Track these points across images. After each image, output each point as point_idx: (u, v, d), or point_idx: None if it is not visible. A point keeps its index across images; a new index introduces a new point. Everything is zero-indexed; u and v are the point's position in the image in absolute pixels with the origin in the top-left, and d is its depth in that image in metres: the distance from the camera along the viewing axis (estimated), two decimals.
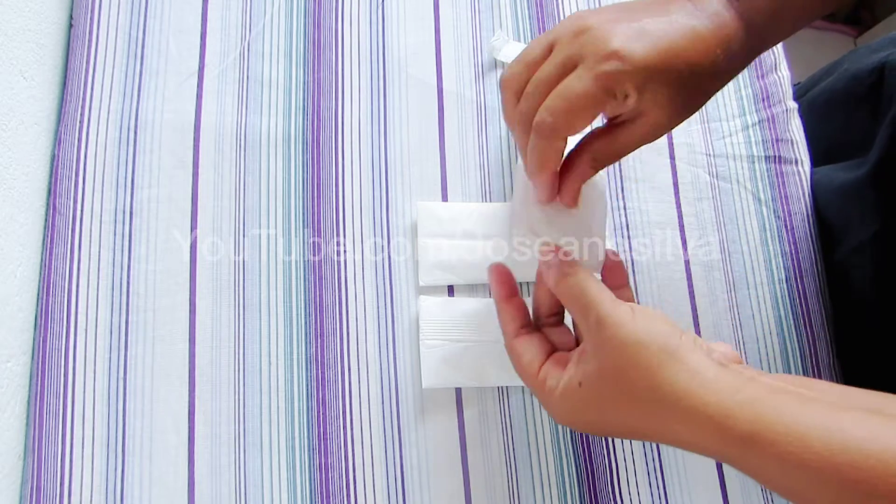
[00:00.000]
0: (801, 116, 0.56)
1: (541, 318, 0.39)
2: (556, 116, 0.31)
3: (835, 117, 0.57)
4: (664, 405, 0.29)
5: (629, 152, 0.34)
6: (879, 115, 0.49)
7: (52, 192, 0.47)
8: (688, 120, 0.54)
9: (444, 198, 0.51)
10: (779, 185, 0.54)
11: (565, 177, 0.35)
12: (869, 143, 0.49)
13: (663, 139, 0.54)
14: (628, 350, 0.30)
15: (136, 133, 0.49)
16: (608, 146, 0.34)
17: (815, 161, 0.55)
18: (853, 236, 0.51)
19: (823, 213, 0.54)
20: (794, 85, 0.62)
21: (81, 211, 0.47)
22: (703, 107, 0.55)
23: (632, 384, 0.30)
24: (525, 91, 0.33)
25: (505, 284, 0.39)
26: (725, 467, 0.47)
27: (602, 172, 0.37)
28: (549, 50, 0.33)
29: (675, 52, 0.31)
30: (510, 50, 0.55)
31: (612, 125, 0.34)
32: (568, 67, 0.31)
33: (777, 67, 0.57)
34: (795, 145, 0.55)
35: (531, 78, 0.33)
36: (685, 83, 0.32)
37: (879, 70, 0.51)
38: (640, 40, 0.30)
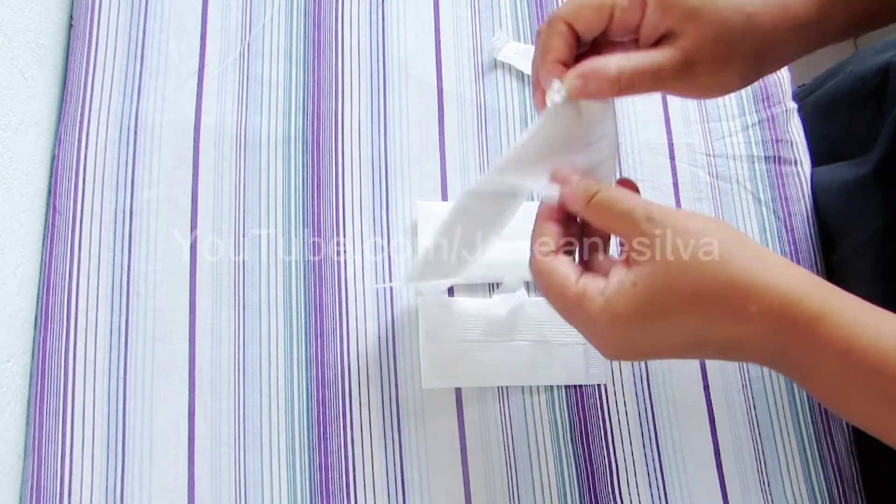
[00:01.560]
0: (806, 118, 0.56)
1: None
2: (564, 3, 0.32)
3: (839, 118, 0.57)
4: (733, 289, 0.28)
5: (663, 85, 0.32)
6: (883, 115, 0.49)
7: (52, 193, 0.47)
8: (688, 120, 0.55)
9: (444, 198, 0.51)
10: (779, 186, 0.54)
11: (580, 67, 0.33)
12: (873, 143, 0.49)
13: (663, 139, 0.54)
14: (690, 239, 0.28)
15: (136, 133, 0.49)
16: (640, 64, 0.32)
17: (820, 162, 0.55)
18: (855, 235, 0.51)
19: (825, 212, 0.54)
20: (799, 86, 0.63)
21: (81, 211, 0.47)
22: (703, 107, 0.56)
23: (699, 273, 0.28)
24: None
25: (555, 209, 0.35)
26: (725, 468, 0.47)
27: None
28: None
29: None
30: (510, 50, 0.55)
31: (649, 46, 0.33)
32: None
33: None
34: (795, 146, 0.55)
35: None
36: (727, 24, 0.31)
37: (884, 71, 0.51)
38: None
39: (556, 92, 0.33)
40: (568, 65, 0.33)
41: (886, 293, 0.48)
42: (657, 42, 0.33)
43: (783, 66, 0.36)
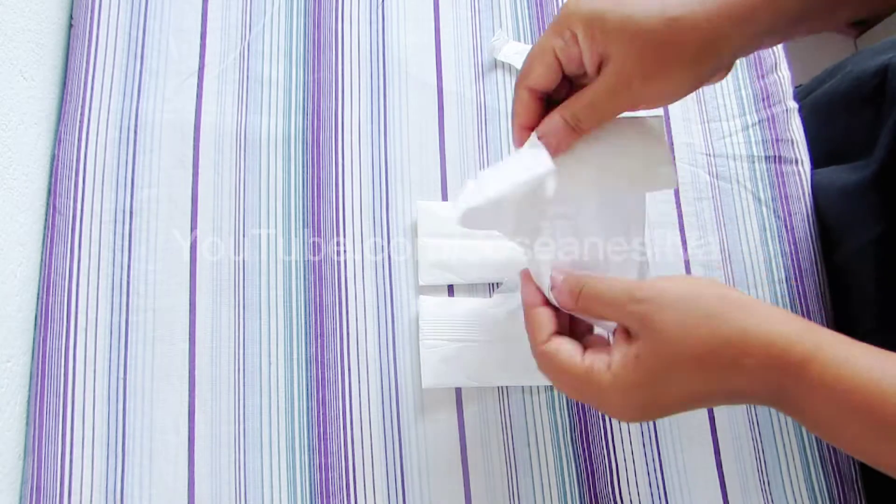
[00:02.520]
0: (804, 118, 0.56)
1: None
2: (523, 66, 0.35)
3: (838, 119, 0.57)
4: (729, 347, 0.29)
5: (606, 110, 0.35)
6: (882, 117, 0.49)
7: (52, 192, 0.47)
8: (688, 119, 0.55)
9: (444, 198, 0.51)
10: (779, 185, 0.54)
11: (541, 128, 0.36)
12: (872, 145, 0.49)
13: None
14: (681, 305, 0.30)
15: (136, 133, 0.49)
16: (578, 99, 0.35)
17: (818, 163, 0.55)
18: (855, 238, 0.50)
19: (824, 215, 0.54)
20: (797, 87, 0.62)
21: (81, 211, 0.47)
22: (703, 107, 0.56)
23: (694, 338, 0.30)
24: None
25: (539, 290, 0.38)
26: (725, 468, 0.47)
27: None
28: None
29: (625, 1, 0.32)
30: (510, 50, 0.55)
31: (586, 83, 0.35)
32: None
33: (777, 67, 0.57)
34: (795, 145, 0.55)
35: None
36: (649, 35, 0.32)
37: (882, 72, 0.51)
38: None
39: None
40: (532, 126, 0.36)
41: (886, 298, 0.48)
42: (599, 69, 0.34)
43: (734, 59, 0.36)
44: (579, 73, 0.35)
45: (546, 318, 0.36)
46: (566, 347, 0.34)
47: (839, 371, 0.28)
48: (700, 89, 0.56)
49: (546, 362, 0.35)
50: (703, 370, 0.30)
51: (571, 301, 0.35)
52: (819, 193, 0.54)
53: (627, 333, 0.32)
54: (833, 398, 0.28)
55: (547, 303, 0.37)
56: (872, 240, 0.48)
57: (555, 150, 0.35)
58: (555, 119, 0.35)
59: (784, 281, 0.52)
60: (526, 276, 0.38)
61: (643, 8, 0.32)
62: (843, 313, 0.52)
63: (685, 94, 0.35)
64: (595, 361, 0.33)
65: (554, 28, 0.34)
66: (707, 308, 0.30)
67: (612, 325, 0.35)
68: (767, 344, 0.29)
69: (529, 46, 0.55)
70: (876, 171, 0.48)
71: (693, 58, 0.33)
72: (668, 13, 0.32)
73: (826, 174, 0.54)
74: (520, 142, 0.37)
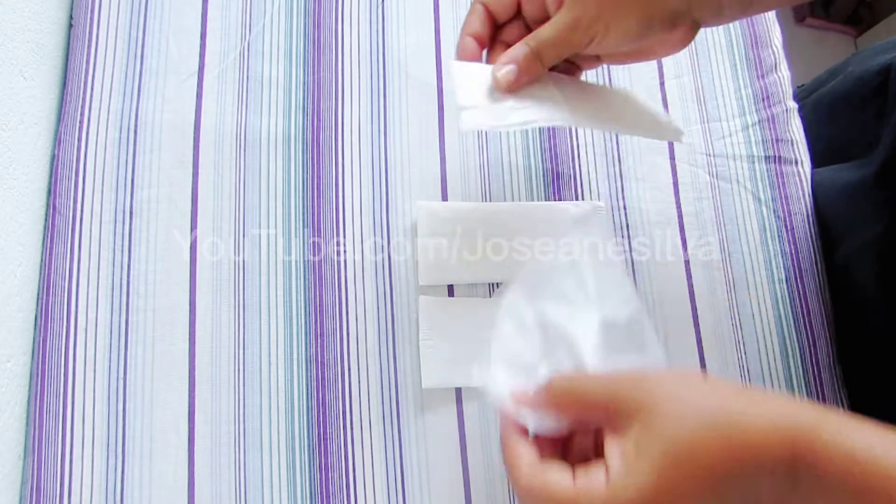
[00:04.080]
0: (806, 118, 0.56)
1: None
2: None
3: (840, 119, 0.57)
4: (736, 434, 0.27)
5: (566, 44, 0.37)
6: (885, 116, 0.49)
7: (52, 192, 0.47)
8: (687, 120, 0.55)
9: (444, 198, 0.51)
10: (779, 185, 0.54)
11: (505, 55, 0.38)
12: (874, 145, 0.49)
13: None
14: (670, 410, 0.28)
15: (136, 133, 0.49)
16: (542, 32, 0.37)
17: (820, 162, 0.55)
18: (856, 236, 0.50)
19: (825, 214, 0.54)
20: (799, 87, 0.62)
21: (81, 211, 0.47)
22: (703, 107, 0.56)
23: (699, 445, 0.27)
24: None
25: (512, 419, 0.33)
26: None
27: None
28: None
29: None
30: None
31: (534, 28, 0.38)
32: None
33: (777, 67, 0.57)
34: (795, 145, 0.55)
35: None
36: None
37: (885, 71, 0.51)
38: None
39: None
40: (482, 41, 0.40)
41: (887, 296, 0.48)
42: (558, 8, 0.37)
43: (693, 18, 0.37)
44: (538, 15, 0.39)
45: (527, 448, 0.31)
46: (556, 472, 0.29)
47: (848, 459, 0.25)
48: (700, 88, 0.56)
49: (532, 494, 0.29)
50: (712, 484, 0.27)
51: (543, 398, 0.31)
52: (820, 193, 0.54)
53: (616, 427, 0.29)
54: (846, 482, 0.26)
55: (525, 431, 0.32)
56: (873, 239, 0.48)
57: (517, 79, 0.38)
58: (521, 47, 0.38)
59: (784, 281, 0.52)
60: (507, 429, 0.33)
61: None
62: (844, 313, 0.52)
63: (636, 39, 0.37)
64: (591, 478, 0.28)
65: None
66: (700, 412, 0.27)
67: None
68: (777, 434, 0.27)
69: None
70: (877, 170, 0.48)
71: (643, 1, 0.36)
72: None
73: (827, 173, 0.54)
74: (463, 50, 0.40)
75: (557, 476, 0.29)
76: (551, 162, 0.53)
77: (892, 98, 0.49)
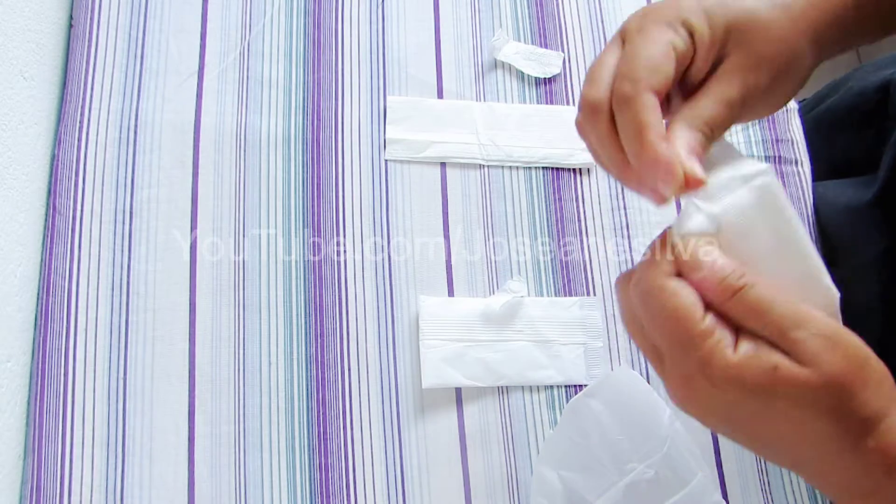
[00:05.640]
0: (807, 135, 0.56)
1: None
2: (631, 71, 0.27)
3: (840, 135, 0.57)
4: (853, 421, 0.25)
5: (733, 122, 0.29)
6: (885, 134, 0.49)
7: (52, 192, 0.47)
8: None
9: (444, 198, 0.51)
10: None
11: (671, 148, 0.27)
12: (875, 163, 0.49)
13: None
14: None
15: (136, 133, 0.49)
16: (706, 104, 0.29)
17: (820, 178, 0.55)
18: (858, 254, 0.50)
19: (827, 231, 0.53)
20: (800, 102, 0.62)
21: (81, 211, 0.47)
22: None
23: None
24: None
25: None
26: (725, 468, 0.47)
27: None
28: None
29: None
30: (510, 50, 0.55)
31: (706, 80, 0.30)
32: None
33: None
34: (795, 145, 0.55)
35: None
36: (758, 33, 0.29)
37: (884, 88, 0.51)
38: None
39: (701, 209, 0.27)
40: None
41: (890, 314, 0.48)
42: (707, 76, 0.30)
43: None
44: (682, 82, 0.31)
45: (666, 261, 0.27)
46: (687, 294, 0.26)
47: None
48: None
49: (652, 300, 0.26)
50: (826, 436, 0.25)
51: (722, 293, 0.26)
52: (822, 210, 0.54)
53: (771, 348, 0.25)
54: None
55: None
56: (876, 256, 0.48)
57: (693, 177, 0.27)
58: (694, 135, 0.28)
59: None
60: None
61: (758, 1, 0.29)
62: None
63: (781, 104, 0.33)
64: (718, 329, 0.25)
65: (661, 20, 0.28)
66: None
67: None
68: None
69: (530, 46, 0.55)
70: (879, 190, 0.48)
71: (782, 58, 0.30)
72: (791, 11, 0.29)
73: (829, 189, 0.54)
74: (664, 158, 0.27)
75: (693, 298, 0.26)
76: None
77: (893, 116, 0.49)
